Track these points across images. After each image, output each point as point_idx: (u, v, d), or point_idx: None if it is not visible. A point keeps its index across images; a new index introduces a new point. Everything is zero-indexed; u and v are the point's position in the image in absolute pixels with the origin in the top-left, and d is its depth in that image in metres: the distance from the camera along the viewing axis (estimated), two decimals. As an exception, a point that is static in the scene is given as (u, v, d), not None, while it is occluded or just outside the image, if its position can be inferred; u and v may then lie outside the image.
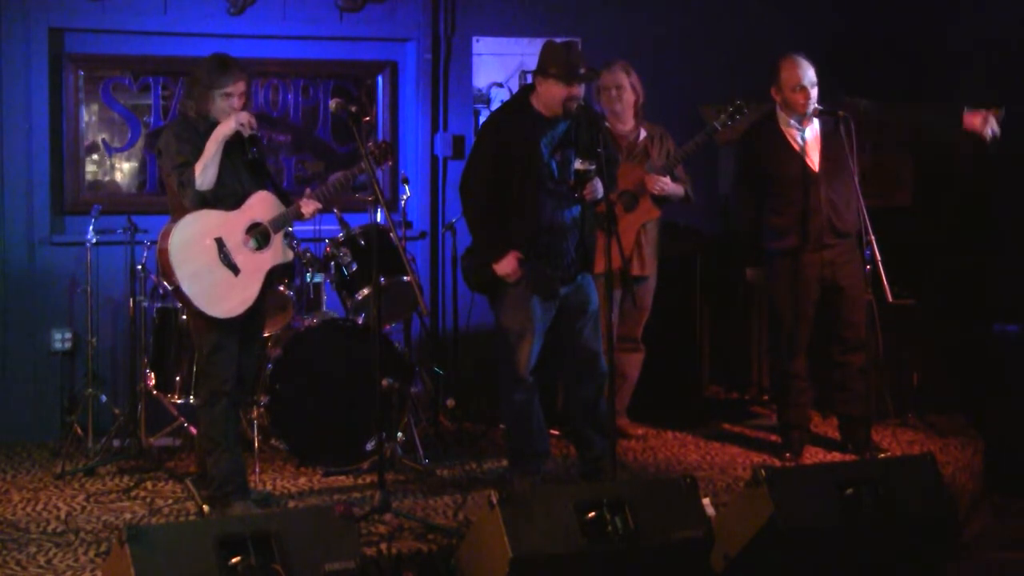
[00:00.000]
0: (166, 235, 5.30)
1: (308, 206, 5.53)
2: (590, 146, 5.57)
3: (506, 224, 5.61)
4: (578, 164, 5.53)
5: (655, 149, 6.60)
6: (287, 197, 5.55)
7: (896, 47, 7.96)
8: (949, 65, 7.82)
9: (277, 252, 5.46)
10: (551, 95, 5.59)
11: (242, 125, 5.28)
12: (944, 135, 6.29)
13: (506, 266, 5.59)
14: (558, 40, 5.79)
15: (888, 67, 7.93)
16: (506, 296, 5.66)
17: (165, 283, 5.41)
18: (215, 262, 5.30)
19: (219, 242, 5.31)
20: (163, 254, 5.27)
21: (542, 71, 5.61)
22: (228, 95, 5.32)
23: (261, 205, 5.43)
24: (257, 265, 5.39)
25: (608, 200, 5.41)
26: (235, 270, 5.33)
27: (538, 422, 5.81)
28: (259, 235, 5.41)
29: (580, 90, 5.58)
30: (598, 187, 5.55)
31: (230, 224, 5.35)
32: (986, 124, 6.05)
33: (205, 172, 5.22)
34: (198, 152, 5.25)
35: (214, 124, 5.32)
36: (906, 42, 7.95)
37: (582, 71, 5.56)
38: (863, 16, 8.01)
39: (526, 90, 5.75)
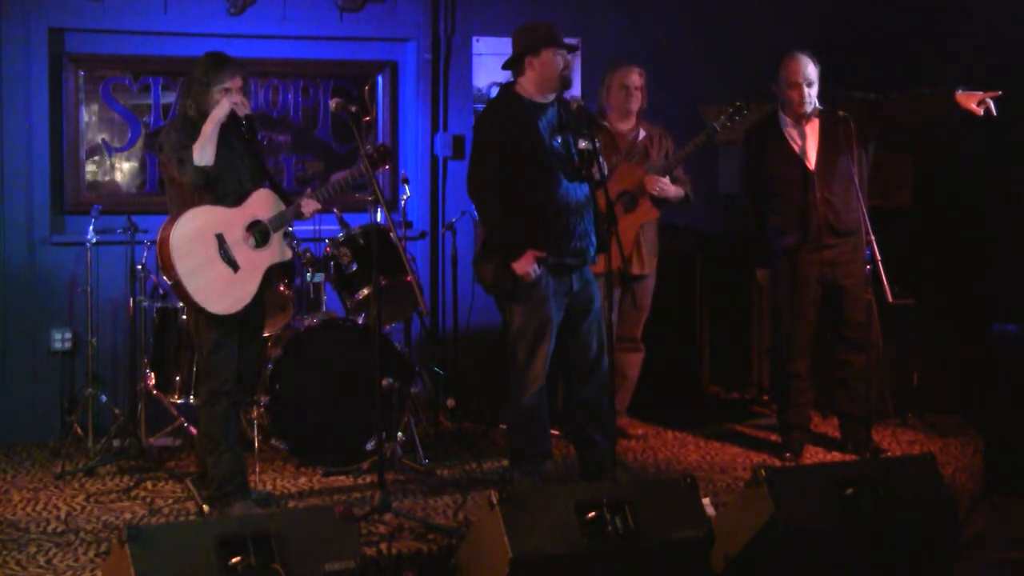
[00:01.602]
0: (167, 229, 5.29)
1: (308, 206, 5.54)
2: (583, 128, 5.58)
3: (521, 212, 5.60)
4: (582, 143, 5.53)
5: (654, 149, 6.61)
6: (287, 196, 5.56)
7: (895, 47, 7.97)
8: (948, 64, 7.82)
9: (276, 251, 5.46)
10: (548, 68, 5.61)
11: (236, 104, 5.29)
12: (939, 115, 6.27)
13: (524, 265, 5.58)
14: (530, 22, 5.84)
15: (887, 66, 7.93)
16: (524, 297, 5.65)
17: (164, 277, 5.41)
18: (215, 257, 5.30)
19: (220, 238, 5.31)
20: (164, 248, 5.27)
21: (534, 48, 5.61)
22: (227, 91, 5.32)
23: (262, 203, 5.43)
24: (256, 263, 5.39)
25: (608, 199, 5.41)
26: (234, 267, 5.32)
27: (543, 423, 5.81)
28: (259, 233, 5.41)
29: (569, 60, 5.66)
30: (603, 166, 5.56)
31: (231, 220, 5.35)
32: (980, 104, 6.02)
33: (203, 150, 5.23)
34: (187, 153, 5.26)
35: (202, 116, 5.34)
36: (905, 42, 7.95)
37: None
38: (863, 16, 8.01)
39: (509, 85, 5.76)
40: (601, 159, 5.51)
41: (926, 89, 6.27)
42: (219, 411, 5.35)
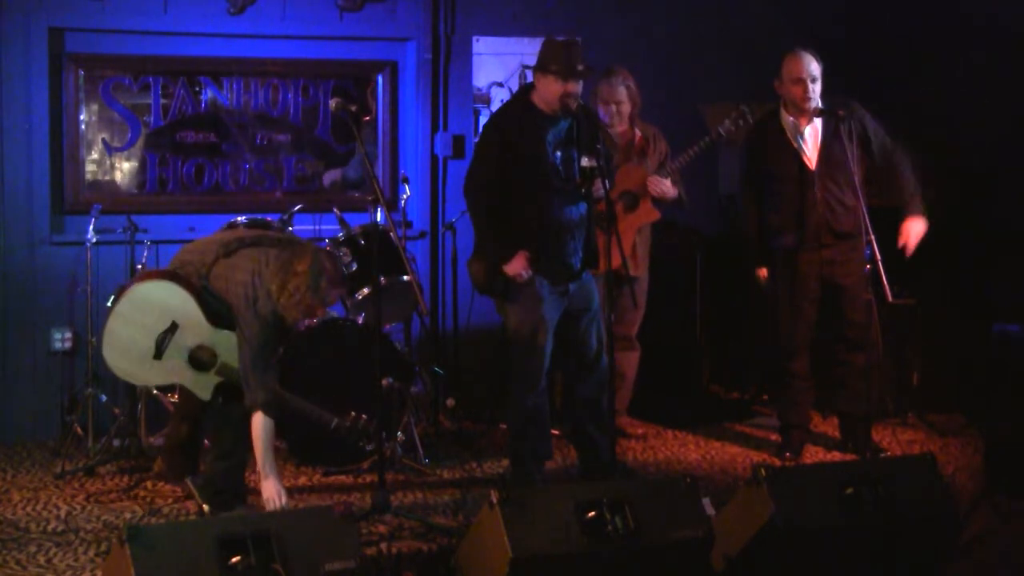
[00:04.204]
0: (158, 272, 5.24)
1: None
2: (591, 143, 5.58)
3: (513, 223, 5.61)
4: (585, 161, 5.53)
5: (651, 149, 6.62)
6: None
7: (895, 46, 7.96)
8: (947, 64, 7.82)
9: (200, 383, 5.21)
10: (549, 91, 5.60)
11: (270, 502, 5.09)
12: (895, 200, 6.37)
13: (516, 266, 5.58)
14: (558, 39, 5.79)
15: (888, 64, 7.94)
16: (517, 298, 5.65)
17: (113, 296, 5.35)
18: (151, 331, 5.12)
19: (173, 326, 5.12)
20: (138, 277, 5.24)
21: (541, 67, 5.62)
22: (321, 307, 5.16)
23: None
24: (174, 373, 5.17)
25: (608, 200, 5.41)
26: (159, 354, 5.12)
27: (543, 424, 5.81)
28: (206, 360, 5.18)
29: (578, 87, 5.60)
30: (606, 184, 5.54)
31: (200, 329, 5.14)
32: (913, 237, 6.18)
33: (265, 434, 5.07)
34: (273, 351, 5.15)
35: (294, 322, 5.19)
36: (905, 42, 7.95)
37: (580, 68, 5.57)
38: (863, 16, 8.01)
39: (526, 89, 5.76)
40: (605, 178, 5.50)
41: (910, 176, 6.28)
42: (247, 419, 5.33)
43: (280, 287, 5.02)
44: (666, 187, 6.45)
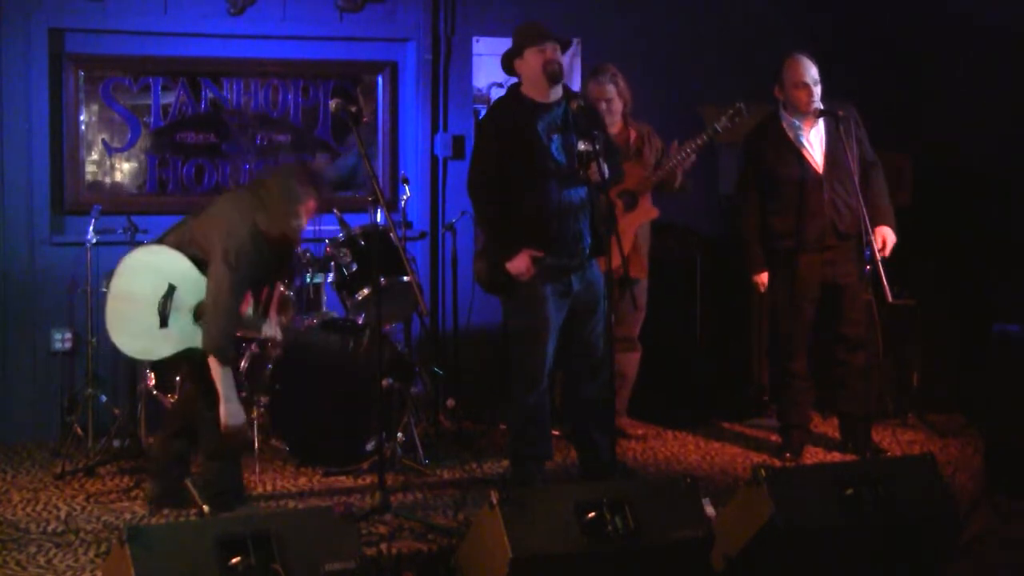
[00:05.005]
0: (144, 245, 5.23)
1: (270, 328, 5.35)
2: (588, 130, 5.58)
3: (516, 215, 5.60)
4: (581, 145, 5.52)
5: (647, 147, 6.63)
6: (268, 309, 5.41)
7: (897, 44, 7.96)
8: (948, 59, 7.82)
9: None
10: (531, 68, 5.61)
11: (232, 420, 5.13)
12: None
13: (519, 264, 5.57)
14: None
15: (888, 64, 7.93)
16: (521, 296, 5.65)
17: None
18: (149, 300, 5.13)
19: (171, 289, 5.15)
20: (125, 256, 5.23)
21: (518, 49, 5.64)
22: (299, 219, 5.16)
23: None
24: (186, 338, 5.19)
25: (608, 200, 5.40)
26: (163, 322, 5.14)
27: (544, 424, 5.80)
28: None
29: (557, 53, 5.62)
30: (603, 168, 5.54)
31: (198, 286, 5.16)
32: (888, 245, 6.18)
33: (224, 348, 5.08)
34: (240, 295, 5.15)
35: (280, 239, 5.19)
36: (903, 43, 7.94)
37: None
38: (863, 16, 8.01)
39: (516, 84, 5.77)
40: (602, 161, 5.50)
41: (884, 192, 6.38)
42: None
43: (256, 205, 5.09)
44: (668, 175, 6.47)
